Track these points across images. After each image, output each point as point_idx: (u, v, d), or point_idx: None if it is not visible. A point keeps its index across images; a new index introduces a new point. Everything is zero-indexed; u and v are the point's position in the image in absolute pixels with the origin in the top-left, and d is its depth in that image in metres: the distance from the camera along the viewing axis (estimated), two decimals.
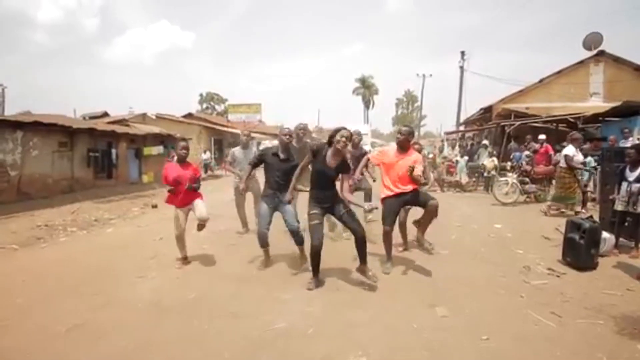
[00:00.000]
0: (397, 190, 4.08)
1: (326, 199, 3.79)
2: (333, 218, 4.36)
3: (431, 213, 4.07)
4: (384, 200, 4.19)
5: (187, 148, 4.48)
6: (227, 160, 6.14)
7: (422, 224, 4.21)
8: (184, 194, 4.35)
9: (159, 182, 14.74)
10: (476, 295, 3.59)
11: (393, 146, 4.39)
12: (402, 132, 4.22)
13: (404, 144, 4.16)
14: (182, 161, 4.47)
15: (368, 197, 5.78)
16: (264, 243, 4.35)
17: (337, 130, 3.68)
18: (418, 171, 3.89)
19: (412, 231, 4.93)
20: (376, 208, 3.88)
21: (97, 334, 2.89)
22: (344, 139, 3.59)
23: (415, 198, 4.11)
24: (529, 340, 2.77)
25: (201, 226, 4.47)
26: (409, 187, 4.04)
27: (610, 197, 5.00)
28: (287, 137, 4.42)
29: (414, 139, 4.31)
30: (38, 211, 8.56)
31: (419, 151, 4.86)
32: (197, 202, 4.42)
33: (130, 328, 2.98)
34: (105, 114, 22.74)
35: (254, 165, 4.56)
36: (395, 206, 4.16)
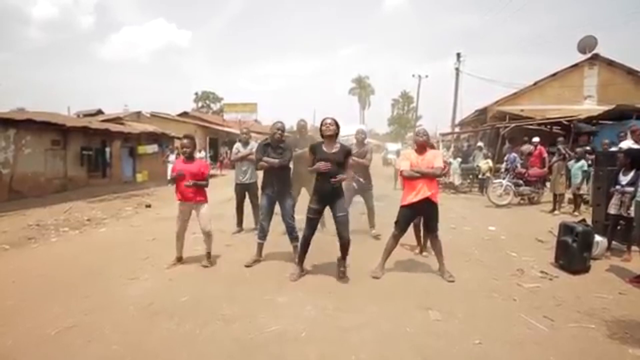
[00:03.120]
0: (415, 200, 4.01)
1: (328, 195, 3.89)
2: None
3: (436, 243, 4.16)
4: (401, 207, 4.18)
5: (186, 146, 4.37)
6: (233, 152, 6.25)
7: (437, 257, 4.22)
8: (184, 188, 4.32)
9: (153, 181, 14.68)
10: (469, 299, 3.59)
11: (410, 150, 4.34)
12: (421, 134, 4.18)
13: (424, 145, 4.12)
14: (189, 158, 4.40)
15: (372, 220, 5.84)
16: (261, 236, 4.48)
17: (322, 122, 3.97)
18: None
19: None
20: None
21: (87, 337, 2.85)
22: (327, 126, 3.88)
23: (429, 212, 4.08)
24: (521, 344, 2.78)
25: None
26: (428, 193, 3.97)
27: (611, 191, 4.90)
28: (279, 132, 4.43)
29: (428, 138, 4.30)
30: (30, 210, 8.46)
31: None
32: (202, 212, 4.38)
33: (121, 331, 2.95)
34: (100, 112, 22.54)
35: (261, 157, 4.53)
36: (410, 215, 4.19)
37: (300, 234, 4.21)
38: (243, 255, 4.78)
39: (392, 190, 10.82)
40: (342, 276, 3.96)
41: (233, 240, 5.70)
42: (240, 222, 6.22)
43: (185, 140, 4.41)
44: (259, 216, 4.59)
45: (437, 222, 4.12)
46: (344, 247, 4.00)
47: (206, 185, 4.43)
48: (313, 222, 4.01)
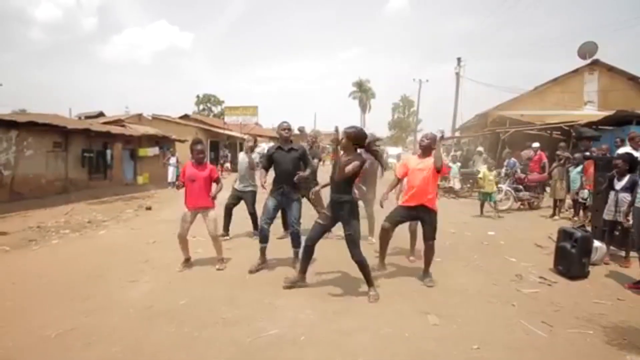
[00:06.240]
0: (412, 204, 4.08)
1: (340, 207, 3.61)
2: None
3: (428, 251, 4.13)
4: (398, 206, 4.24)
5: (202, 152, 4.49)
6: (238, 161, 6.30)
7: (425, 262, 4.22)
8: (194, 196, 4.38)
9: (154, 184, 14.72)
10: (468, 304, 3.60)
11: (412, 155, 4.44)
12: (428, 137, 4.24)
13: (428, 149, 4.16)
14: (200, 163, 4.50)
15: (371, 229, 5.78)
16: (263, 238, 4.44)
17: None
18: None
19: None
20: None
21: (86, 339, 2.86)
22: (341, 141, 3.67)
23: (425, 218, 4.07)
24: (519, 349, 2.79)
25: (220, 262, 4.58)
26: (423, 199, 4.01)
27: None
28: (286, 131, 4.50)
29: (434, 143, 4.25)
30: (31, 212, 8.50)
31: None
32: (210, 217, 4.43)
33: (121, 334, 2.96)
34: (101, 114, 22.59)
35: (266, 167, 4.61)
36: (403, 212, 4.20)
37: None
38: (242, 259, 4.79)
39: (391, 194, 10.81)
40: (373, 301, 3.58)
41: (232, 243, 5.70)
42: (226, 226, 6.00)
43: (199, 147, 4.48)
44: (261, 218, 4.50)
45: (434, 230, 4.06)
46: (359, 266, 3.65)
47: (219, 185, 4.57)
48: (317, 228, 3.74)
